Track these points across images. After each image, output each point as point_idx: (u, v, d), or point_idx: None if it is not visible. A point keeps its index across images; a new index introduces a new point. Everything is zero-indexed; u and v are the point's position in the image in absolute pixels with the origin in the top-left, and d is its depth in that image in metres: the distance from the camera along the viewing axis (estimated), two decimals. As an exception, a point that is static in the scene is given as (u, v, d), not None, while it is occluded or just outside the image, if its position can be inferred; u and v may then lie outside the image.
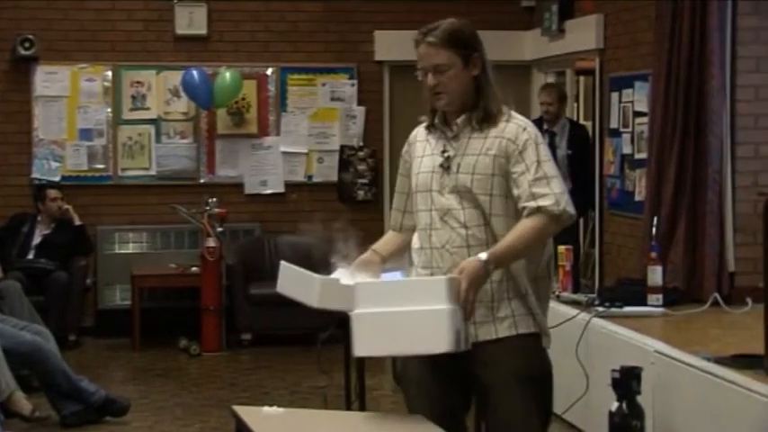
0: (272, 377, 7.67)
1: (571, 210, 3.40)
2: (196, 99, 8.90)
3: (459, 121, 3.47)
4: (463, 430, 3.60)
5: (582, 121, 9.19)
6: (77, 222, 8.57)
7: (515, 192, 3.39)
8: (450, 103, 3.47)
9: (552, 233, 3.45)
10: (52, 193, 8.60)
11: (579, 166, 7.97)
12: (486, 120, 3.45)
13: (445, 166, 3.47)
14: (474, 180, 3.42)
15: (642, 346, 4.85)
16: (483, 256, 3.30)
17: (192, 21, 9.16)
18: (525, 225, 3.36)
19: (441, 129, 3.52)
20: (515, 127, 3.44)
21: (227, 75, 8.85)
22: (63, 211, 8.55)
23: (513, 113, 3.49)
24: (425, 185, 3.52)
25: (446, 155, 3.48)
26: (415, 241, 3.59)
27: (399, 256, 3.74)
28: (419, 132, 3.63)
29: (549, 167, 3.41)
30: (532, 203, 3.36)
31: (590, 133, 8.34)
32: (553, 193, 3.36)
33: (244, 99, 9.22)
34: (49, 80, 9.04)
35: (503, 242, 3.36)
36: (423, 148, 3.59)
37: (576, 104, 9.47)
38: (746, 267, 5.81)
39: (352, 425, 3.58)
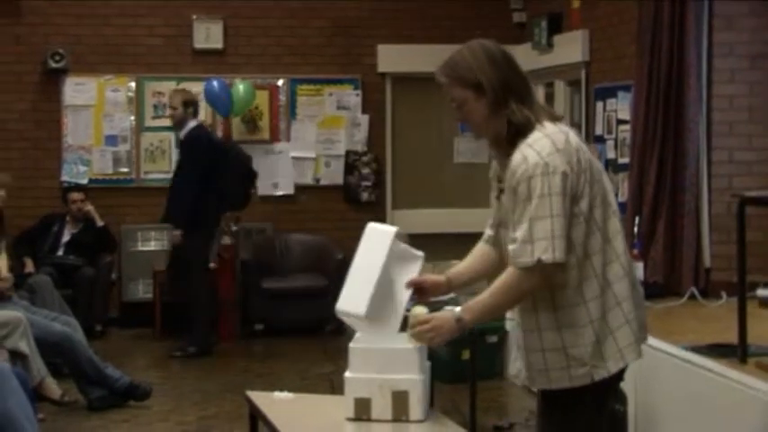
0: (283, 364, 7.67)
1: (548, 256, 2.94)
2: (216, 107, 8.89)
3: (492, 150, 3.18)
4: None
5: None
6: (99, 224, 8.57)
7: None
8: (479, 134, 3.16)
9: (530, 286, 3.02)
10: (74, 195, 8.60)
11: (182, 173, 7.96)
12: (515, 141, 3.04)
13: (498, 197, 3.20)
14: (506, 213, 3.13)
15: (625, 336, 4.82)
16: (457, 310, 3.09)
17: (209, 36, 9.16)
18: (501, 278, 3.06)
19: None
20: (518, 157, 3.01)
21: (241, 86, 8.84)
22: (84, 213, 8.54)
23: (532, 135, 3.04)
24: (498, 213, 3.24)
25: (501, 185, 3.16)
26: None
27: (475, 282, 3.40)
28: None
29: (539, 205, 2.96)
30: (511, 259, 3.02)
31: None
32: (530, 241, 2.96)
33: (257, 108, 9.22)
34: (78, 91, 9.04)
35: (478, 298, 3.09)
36: (493, 168, 3.28)
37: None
38: (721, 264, 5.79)
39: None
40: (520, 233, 2.99)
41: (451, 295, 3.64)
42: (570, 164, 3.00)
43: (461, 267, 3.37)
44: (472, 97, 3.06)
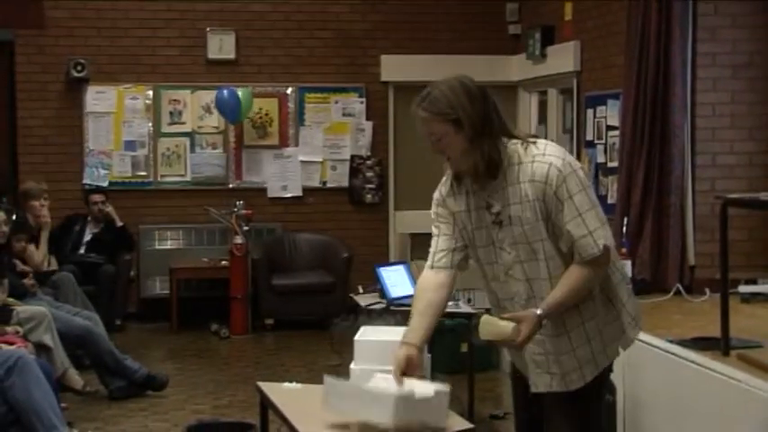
0: (292, 357, 7.67)
1: (610, 241, 3.03)
2: (225, 114, 8.91)
3: (467, 180, 3.12)
4: None
5: (561, 135, 9.14)
6: (119, 224, 8.57)
7: (562, 241, 3.05)
8: (457, 166, 3.12)
9: (600, 274, 3.07)
10: (94, 197, 8.60)
11: None
12: (492, 170, 3.04)
13: (497, 222, 3.10)
14: (525, 230, 3.05)
15: (614, 329, 4.82)
16: (538, 310, 3.02)
17: (222, 47, 9.16)
18: (573, 276, 3.03)
19: (469, 185, 3.14)
20: (543, 166, 3.00)
21: (240, 93, 8.85)
22: (105, 213, 8.54)
23: (535, 148, 3.04)
24: (488, 240, 3.13)
25: (494, 210, 3.10)
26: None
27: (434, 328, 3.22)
28: (445, 186, 3.23)
29: (581, 200, 3.00)
30: (576, 256, 3.02)
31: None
32: (589, 233, 2.99)
33: (267, 114, 9.22)
34: (99, 98, 9.04)
35: (555, 295, 3.03)
36: (464, 201, 3.16)
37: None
38: (705, 261, 5.79)
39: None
40: (575, 230, 3.00)
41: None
42: (577, 162, 3.10)
43: (424, 328, 3.16)
44: (451, 132, 3.02)
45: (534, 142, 3.07)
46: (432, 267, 3.22)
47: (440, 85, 3.05)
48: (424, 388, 3.11)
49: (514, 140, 3.07)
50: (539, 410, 3.25)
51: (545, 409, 3.22)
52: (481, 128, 3.01)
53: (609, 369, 3.23)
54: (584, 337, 3.12)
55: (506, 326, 3.04)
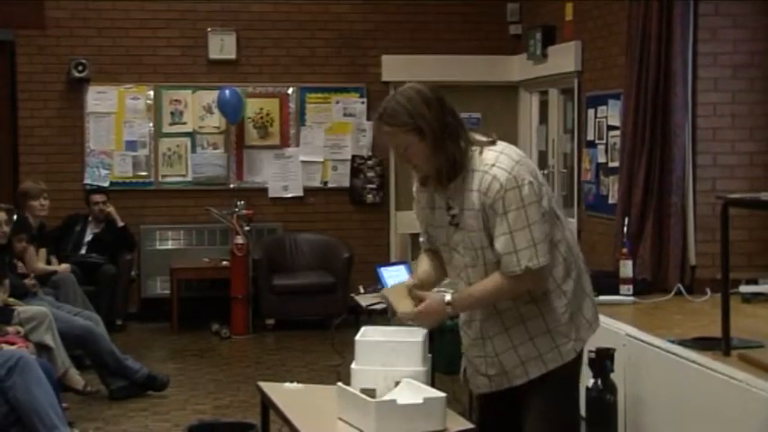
0: (293, 357, 7.67)
1: (534, 263, 3.03)
2: (227, 114, 8.91)
3: (432, 182, 3.18)
4: None
5: (562, 135, 9.15)
6: (120, 224, 8.57)
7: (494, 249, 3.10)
8: (422, 172, 3.20)
9: (521, 289, 3.11)
10: (96, 197, 8.61)
11: None
12: (454, 173, 3.10)
13: (454, 224, 3.18)
14: (471, 237, 3.13)
15: (615, 330, 4.84)
16: (447, 297, 3.16)
17: (223, 47, 9.16)
18: (492, 281, 3.10)
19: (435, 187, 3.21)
20: (487, 178, 3.05)
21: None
22: (106, 213, 8.55)
23: (490, 157, 3.07)
24: (445, 240, 3.23)
25: (452, 212, 3.17)
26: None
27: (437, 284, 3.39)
28: (417, 182, 3.32)
29: (515, 217, 3.02)
30: (501, 267, 3.08)
31: None
32: (515, 251, 3.02)
33: (268, 114, 9.23)
34: (100, 99, 9.05)
35: (470, 290, 3.14)
36: (428, 198, 3.26)
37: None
38: (706, 261, 5.79)
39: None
40: (501, 246, 3.06)
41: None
42: (530, 171, 3.10)
43: (427, 272, 3.33)
44: (415, 140, 3.08)
45: (491, 148, 3.11)
46: (425, 251, 3.39)
47: (396, 96, 3.12)
48: (414, 395, 3.15)
49: (474, 146, 3.12)
50: (500, 410, 3.31)
51: (520, 412, 3.26)
52: (441, 132, 3.07)
53: (573, 366, 3.24)
54: (525, 336, 3.18)
55: (408, 303, 3.16)
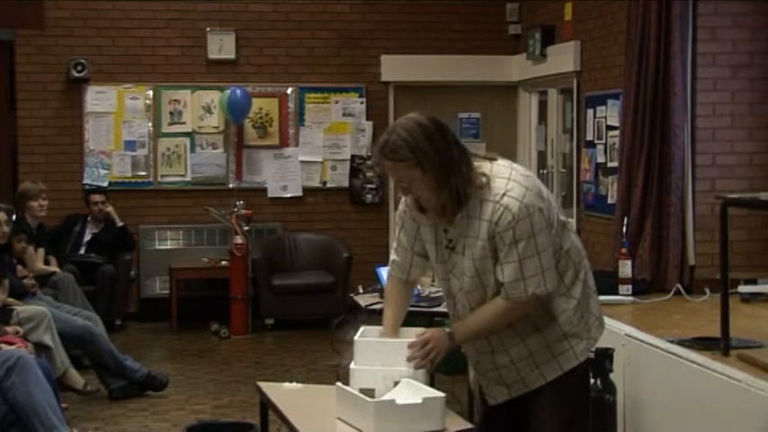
0: (292, 357, 7.67)
1: (541, 290, 3.04)
2: (234, 114, 8.92)
3: (435, 216, 3.14)
4: None
5: (561, 134, 9.16)
6: (119, 224, 8.57)
7: (497, 275, 3.08)
8: (427, 204, 3.13)
9: (524, 314, 3.12)
10: (95, 197, 8.61)
11: None
12: (459, 206, 3.06)
13: (450, 247, 3.15)
14: (475, 263, 3.10)
15: (614, 330, 4.83)
16: (448, 329, 3.19)
17: (222, 47, 9.17)
18: (492, 308, 3.10)
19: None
20: (501, 209, 3.00)
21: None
22: (105, 213, 8.55)
23: (500, 185, 3.02)
24: (442, 259, 3.20)
25: (449, 236, 3.14)
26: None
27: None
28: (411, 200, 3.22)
29: (525, 246, 3.00)
30: (503, 292, 3.07)
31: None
32: (522, 279, 3.02)
33: (267, 114, 9.23)
34: (99, 98, 9.05)
35: (470, 323, 3.15)
36: (426, 217, 3.20)
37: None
38: (705, 261, 5.79)
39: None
40: (509, 273, 3.04)
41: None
42: (540, 195, 3.06)
43: (395, 319, 3.39)
44: (418, 175, 3.02)
45: (500, 174, 3.05)
46: (390, 276, 3.39)
47: (397, 129, 3.06)
48: (413, 395, 3.15)
49: (481, 173, 3.05)
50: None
51: (531, 413, 3.27)
52: (444, 166, 3.01)
53: (586, 365, 3.27)
54: (542, 342, 3.19)
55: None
